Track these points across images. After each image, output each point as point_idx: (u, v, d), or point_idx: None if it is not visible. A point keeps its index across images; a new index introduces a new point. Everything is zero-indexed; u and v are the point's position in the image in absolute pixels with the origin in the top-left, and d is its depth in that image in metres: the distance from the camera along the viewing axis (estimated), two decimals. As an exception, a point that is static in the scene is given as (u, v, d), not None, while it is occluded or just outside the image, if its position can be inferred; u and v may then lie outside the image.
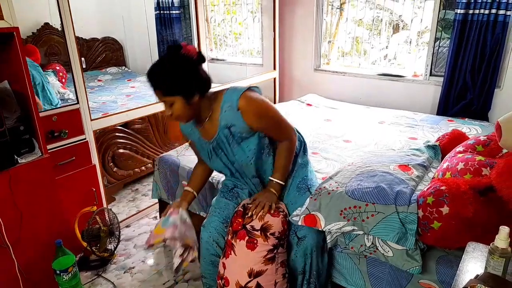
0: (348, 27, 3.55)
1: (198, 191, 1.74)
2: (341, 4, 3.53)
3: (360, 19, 3.48)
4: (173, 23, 3.90)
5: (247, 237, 1.49)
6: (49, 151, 1.89)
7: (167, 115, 1.42)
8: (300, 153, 1.69)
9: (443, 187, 1.36)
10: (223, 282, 1.55)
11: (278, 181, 1.57)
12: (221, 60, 4.22)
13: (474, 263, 1.09)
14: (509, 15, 2.54)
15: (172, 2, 3.86)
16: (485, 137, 1.72)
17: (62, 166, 2.09)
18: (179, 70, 1.35)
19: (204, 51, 3.00)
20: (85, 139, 2.21)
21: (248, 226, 1.50)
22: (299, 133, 1.71)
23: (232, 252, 1.51)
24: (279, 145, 1.57)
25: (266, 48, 3.75)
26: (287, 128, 1.55)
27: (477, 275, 0.98)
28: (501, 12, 2.53)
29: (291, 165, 1.61)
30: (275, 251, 1.50)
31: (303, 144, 1.73)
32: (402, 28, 3.35)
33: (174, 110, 1.40)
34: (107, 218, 2.24)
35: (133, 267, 2.21)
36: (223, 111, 1.46)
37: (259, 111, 1.46)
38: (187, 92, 1.38)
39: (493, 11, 2.56)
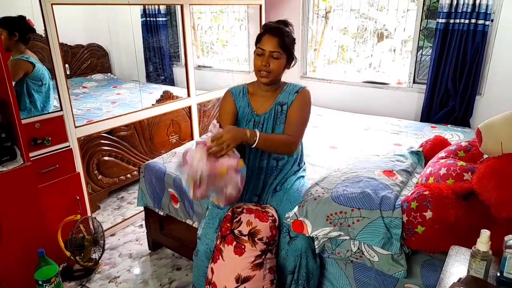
0: (333, 36, 3.61)
1: None
2: (326, 13, 3.58)
3: (345, 28, 3.54)
4: (159, 30, 3.90)
5: (234, 242, 1.48)
6: (31, 158, 1.86)
7: (261, 65, 1.58)
8: (301, 165, 1.84)
9: (426, 192, 1.38)
10: (211, 287, 1.54)
11: (259, 134, 1.51)
12: (208, 67, 4.23)
13: (457, 266, 1.11)
14: (488, 25, 2.62)
15: (159, 9, 3.86)
16: (467, 143, 1.75)
17: (45, 174, 2.05)
18: (295, 40, 1.66)
19: (191, 58, 2.99)
20: (69, 146, 2.17)
21: (236, 231, 1.50)
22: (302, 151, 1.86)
23: (220, 257, 1.51)
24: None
25: (253, 56, 3.77)
26: (299, 133, 1.67)
27: (460, 278, 1.00)
28: (480, 22, 2.62)
29: (274, 148, 1.61)
30: (263, 256, 1.50)
31: (301, 156, 1.83)
32: (386, 37, 3.41)
33: (274, 64, 1.58)
34: (91, 226, 2.20)
35: (118, 277, 2.17)
36: (283, 92, 1.70)
37: (304, 105, 1.68)
38: (291, 57, 1.65)
39: (473, 20, 2.64)
